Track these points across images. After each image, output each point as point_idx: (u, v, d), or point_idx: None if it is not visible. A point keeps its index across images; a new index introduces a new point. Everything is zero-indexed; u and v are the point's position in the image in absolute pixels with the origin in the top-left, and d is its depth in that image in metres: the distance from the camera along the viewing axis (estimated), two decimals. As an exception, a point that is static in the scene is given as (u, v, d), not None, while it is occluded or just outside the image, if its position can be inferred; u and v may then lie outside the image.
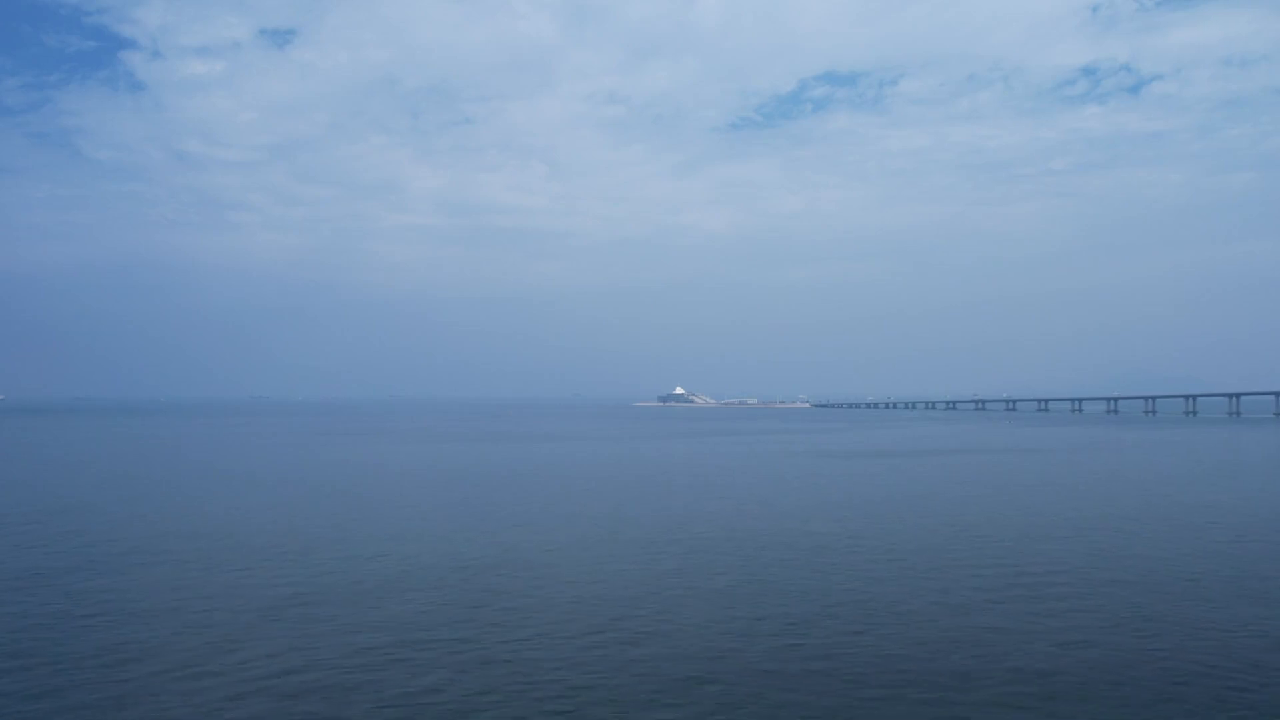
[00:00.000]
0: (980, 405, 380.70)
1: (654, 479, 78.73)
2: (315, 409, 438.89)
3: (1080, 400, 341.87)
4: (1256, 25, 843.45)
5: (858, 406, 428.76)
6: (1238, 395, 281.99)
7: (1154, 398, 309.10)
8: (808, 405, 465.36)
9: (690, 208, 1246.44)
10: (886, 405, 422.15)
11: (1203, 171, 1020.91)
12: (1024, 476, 79.41)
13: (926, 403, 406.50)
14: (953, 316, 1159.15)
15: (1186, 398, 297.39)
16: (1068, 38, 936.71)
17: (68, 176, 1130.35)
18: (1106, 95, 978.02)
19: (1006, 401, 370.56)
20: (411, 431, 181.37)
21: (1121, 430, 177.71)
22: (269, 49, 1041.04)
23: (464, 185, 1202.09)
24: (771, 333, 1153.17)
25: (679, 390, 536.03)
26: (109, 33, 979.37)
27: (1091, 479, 77.39)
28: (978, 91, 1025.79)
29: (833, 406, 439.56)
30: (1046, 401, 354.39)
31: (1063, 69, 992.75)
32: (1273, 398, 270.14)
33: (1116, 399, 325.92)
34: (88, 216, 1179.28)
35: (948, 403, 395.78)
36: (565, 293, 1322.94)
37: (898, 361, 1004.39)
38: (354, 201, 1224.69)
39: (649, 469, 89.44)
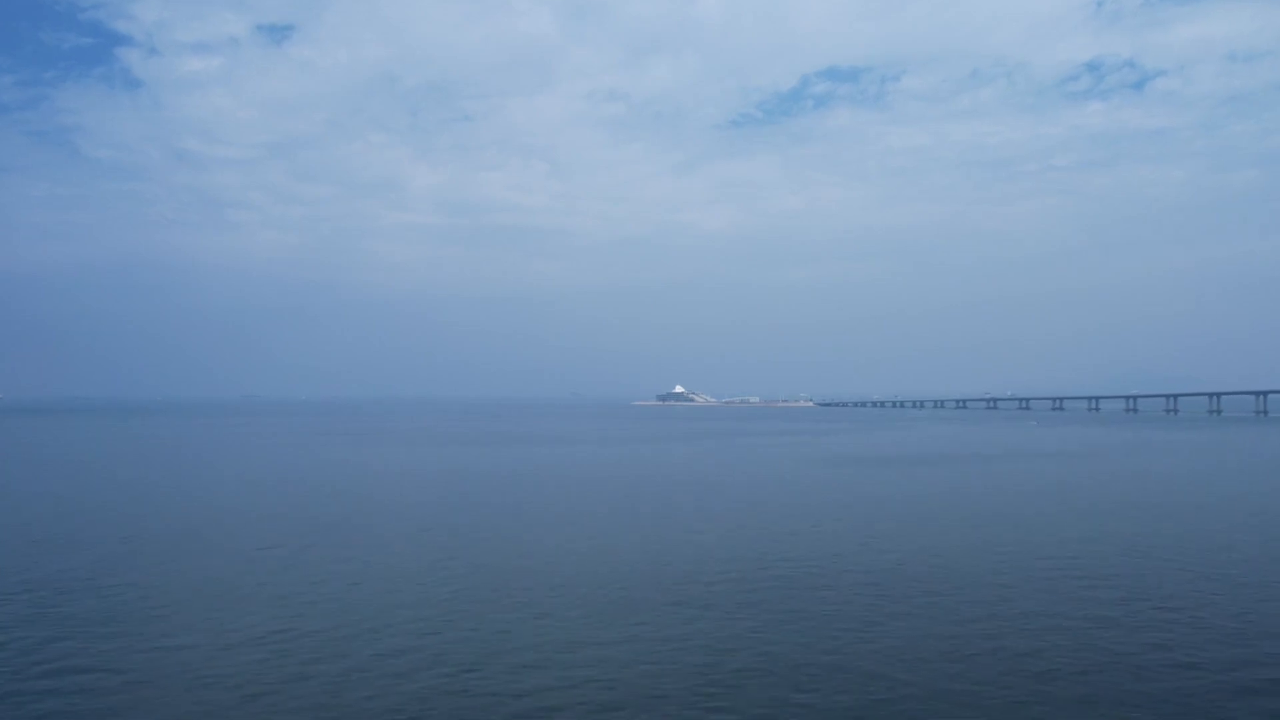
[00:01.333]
0: (992, 404, 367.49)
1: (664, 494, 65.53)
2: (312, 408, 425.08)
3: (1097, 399, 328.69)
4: (1261, 21, 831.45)
5: (863, 405, 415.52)
6: (1264, 393, 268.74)
7: (1176, 396, 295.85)
8: (811, 405, 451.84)
9: (690, 206, 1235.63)
10: (894, 404, 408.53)
11: (1205, 169, 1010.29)
12: (1106, 488, 66.17)
13: (935, 401, 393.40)
14: (953, 316, 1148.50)
15: (1210, 395, 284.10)
16: (1072, 33, 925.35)
17: (66, 175, 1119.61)
18: (1110, 91, 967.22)
19: (1019, 400, 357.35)
20: (407, 433, 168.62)
21: (1161, 431, 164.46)
22: (267, 46, 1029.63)
23: (464, 184, 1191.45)
24: (771, 332, 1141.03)
25: (679, 389, 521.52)
26: (105, 29, 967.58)
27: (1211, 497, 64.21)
28: (980, 88, 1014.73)
29: (837, 406, 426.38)
30: (1061, 400, 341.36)
31: (1066, 65, 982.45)
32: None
33: (1136, 397, 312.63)
34: (87, 216, 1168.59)
35: (958, 401, 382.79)
36: (565, 292, 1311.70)
37: (898, 361, 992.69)
38: (353, 200, 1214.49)
39: (656, 481, 76.35)
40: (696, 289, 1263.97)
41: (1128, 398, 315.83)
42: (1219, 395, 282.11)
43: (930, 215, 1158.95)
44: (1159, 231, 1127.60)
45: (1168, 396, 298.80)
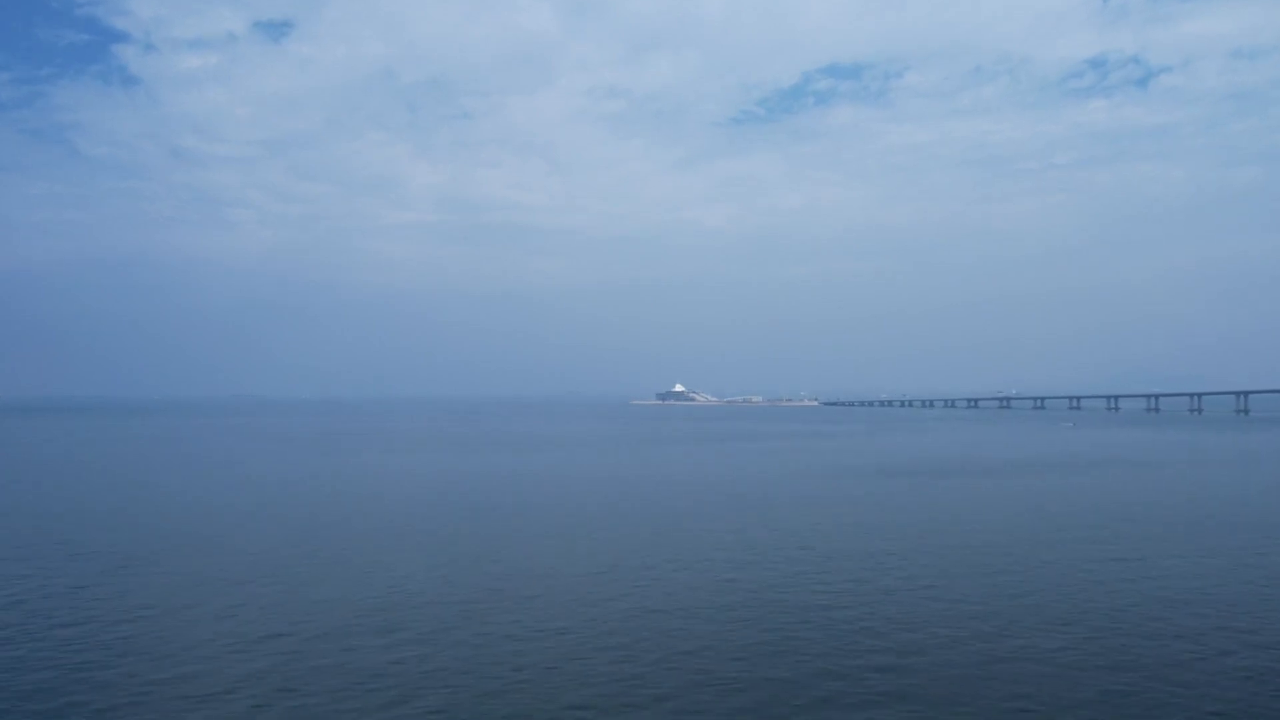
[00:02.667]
0: (1006, 403, 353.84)
1: (680, 518, 51.84)
2: (310, 408, 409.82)
3: (1116, 398, 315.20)
4: (1266, 17, 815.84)
5: (871, 405, 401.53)
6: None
7: (1200, 395, 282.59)
8: (816, 404, 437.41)
9: (690, 204, 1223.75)
10: (902, 403, 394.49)
11: (1207, 166, 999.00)
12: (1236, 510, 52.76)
13: (946, 400, 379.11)
14: (953, 315, 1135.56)
15: (1237, 394, 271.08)
16: (1076, 29, 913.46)
17: (64, 173, 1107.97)
18: (1113, 89, 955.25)
19: (1034, 399, 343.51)
20: (400, 436, 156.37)
21: (1205, 434, 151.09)
22: (265, 42, 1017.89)
23: (463, 181, 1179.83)
24: (771, 330, 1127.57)
25: (679, 388, 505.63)
26: (101, 25, 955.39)
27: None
28: (983, 85, 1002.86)
29: (844, 405, 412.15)
30: (1078, 399, 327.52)
31: (1070, 61, 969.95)
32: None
33: (1157, 395, 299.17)
34: (85, 214, 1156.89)
35: (969, 400, 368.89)
36: (564, 290, 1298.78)
37: (898, 360, 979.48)
38: (352, 198, 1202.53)
39: (667, 498, 62.64)
40: (696, 287, 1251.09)
41: (1149, 396, 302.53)
42: (1246, 394, 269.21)
43: (931, 213, 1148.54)
44: (1160, 229, 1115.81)
45: (1191, 395, 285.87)
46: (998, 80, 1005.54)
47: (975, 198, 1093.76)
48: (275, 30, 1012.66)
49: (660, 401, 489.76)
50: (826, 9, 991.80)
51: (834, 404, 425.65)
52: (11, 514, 55.51)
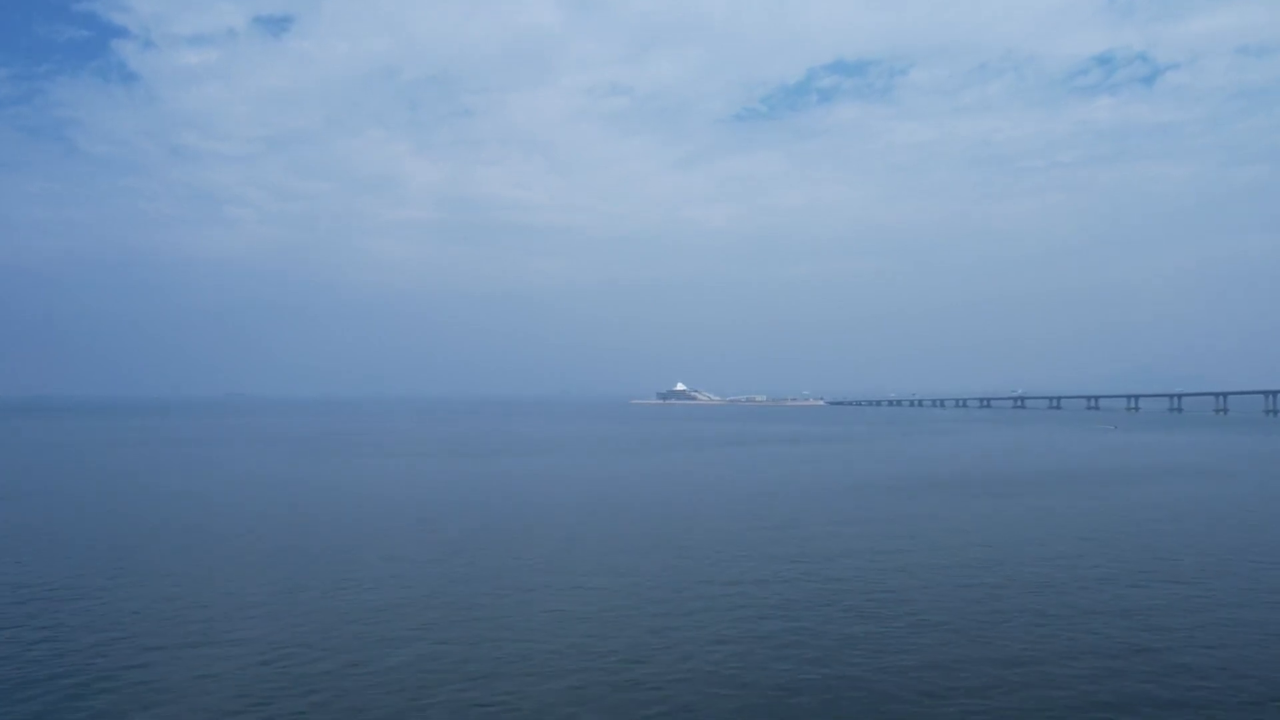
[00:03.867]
0: (1020, 403, 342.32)
1: (696, 557, 39.88)
2: (308, 408, 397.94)
3: (1136, 397, 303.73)
4: (1274, 13, 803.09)
5: (879, 404, 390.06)
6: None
7: (1225, 394, 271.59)
8: (822, 403, 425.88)
9: (692, 203, 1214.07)
10: (911, 403, 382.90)
11: (1212, 165, 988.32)
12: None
13: (957, 400, 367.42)
14: (953, 315, 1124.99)
15: (1266, 394, 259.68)
16: (1082, 26, 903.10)
17: (63, 171, 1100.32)
18: (1119, 86, 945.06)
19: (1050, 399, 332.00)
20: (389, 437, 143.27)
21: (1263, 435, 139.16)
22: (265, 38, 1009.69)
23: (463, 179, 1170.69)
24: (772, 330, 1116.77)
25: (680, 387, 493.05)
26: (100, 21, 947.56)
27: None
28: (989, 82, 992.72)
29: (850, 405, 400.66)
30: (1097, 399, 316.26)
31: (1076, 58, 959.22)
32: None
33: (1180, 395, 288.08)
34: (84, 212, 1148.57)
35: (981, 400, 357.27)
36: (565, 289, 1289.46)
37: (898, 359, 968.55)
38: (352, 196, 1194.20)
39: (678, 527, 50.62)
40: (697, 286, 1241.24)
41: (1170, 396, 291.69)
42: (1274, 394, 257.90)
43: (932, 212, 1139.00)
44: (1163, 229, 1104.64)
45: (1215, 395, 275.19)
46: (1003, 77, 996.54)
47: (977, 196, 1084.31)
48: (275, 26, 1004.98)
49: (661, 401, 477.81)
50: (831, 5, 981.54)
51: (840, 403, 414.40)
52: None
